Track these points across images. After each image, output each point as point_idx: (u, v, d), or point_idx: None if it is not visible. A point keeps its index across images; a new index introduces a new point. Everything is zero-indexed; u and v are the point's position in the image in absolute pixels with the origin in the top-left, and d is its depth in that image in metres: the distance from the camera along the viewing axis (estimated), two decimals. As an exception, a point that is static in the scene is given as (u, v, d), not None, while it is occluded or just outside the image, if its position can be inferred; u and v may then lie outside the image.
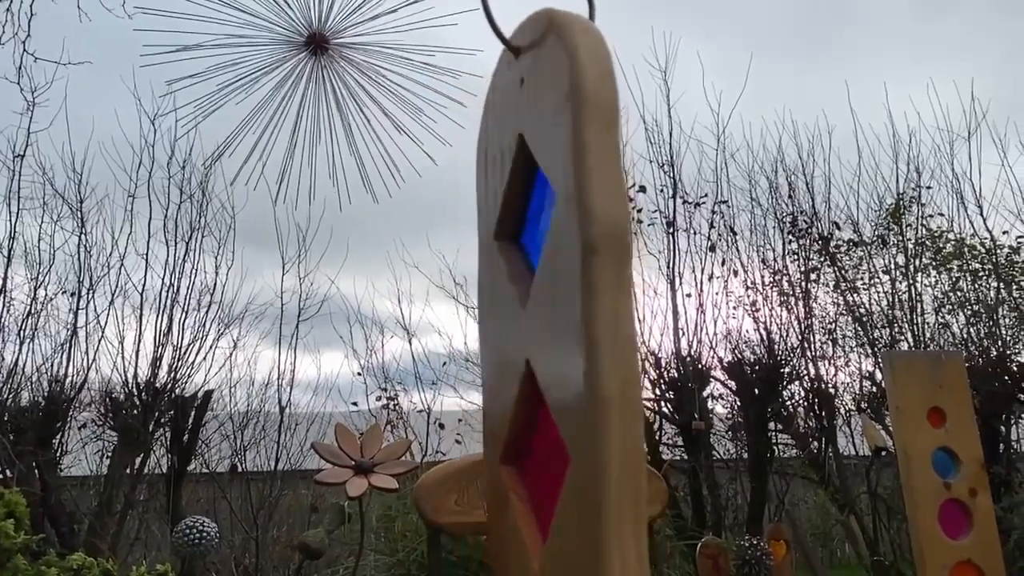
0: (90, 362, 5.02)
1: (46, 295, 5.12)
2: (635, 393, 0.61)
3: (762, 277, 5.79)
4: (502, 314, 0.83)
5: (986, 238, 5.49)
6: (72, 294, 5.12)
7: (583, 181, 0.63)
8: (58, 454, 4.92)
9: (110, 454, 4.99)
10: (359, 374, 6.13)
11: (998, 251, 5.50)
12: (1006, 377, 5.12)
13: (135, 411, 4.92)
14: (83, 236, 5.17)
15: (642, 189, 5.67)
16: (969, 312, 5.48)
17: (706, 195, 5.80)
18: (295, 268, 5.86)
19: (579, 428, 0.64)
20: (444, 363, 6.10)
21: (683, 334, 5.46)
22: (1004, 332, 5.35)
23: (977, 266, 5.55)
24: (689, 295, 5.58)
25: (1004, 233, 5.53)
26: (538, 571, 0.73)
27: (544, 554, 0.72)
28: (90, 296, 5.14)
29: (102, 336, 5.10)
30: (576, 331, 0.62)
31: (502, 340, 0.83)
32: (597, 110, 0.64)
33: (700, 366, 5.43)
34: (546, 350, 0.71)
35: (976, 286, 5.53)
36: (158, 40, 1.87)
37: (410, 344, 6.20)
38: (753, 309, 5.67)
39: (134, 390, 4.98)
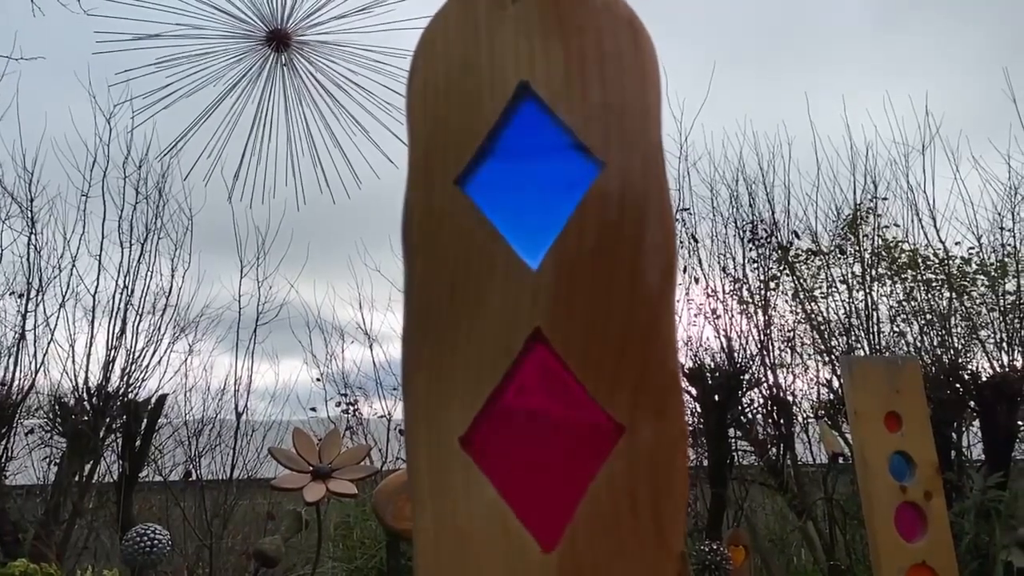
0: (38, 366, 4.88)
1: (-8, 296, 4.97)
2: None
3: (722, 285, 5.84)
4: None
5: (939, 249, 5.61)
6: (20, 296, 4.98)
7: None
8: (3, 461, 4.76)
9: (58, 461, 4.84)
10: (318, 380, 6.05)
11: (950, 262, 5.63)
12: (958, 385, 5.22)
13: (85, 416, 4.78)
14: (33, 236, 5.04)
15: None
16: (923, 321, 5.59)
17: (668, 203, 5.83)
18: (253, 272, 5.77)
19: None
20: (405, 369, 6.04)
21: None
22: (956, 341, 5.47)
23: (931, 276, 5.67)
24: (651, 302, 5.60)
25: (956, 244, 5.67)
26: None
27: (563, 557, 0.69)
28: (40, 298, 5.00)
29: (51, 339, 4.97)
30: None
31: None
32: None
33: (661, 373, 5.45)
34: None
35: (929, 296, 5.64)
36: (115, 28, 1.82)
37: (371, 350, 6.15)
38: (713, 317, 5.72)
39: (84, 395, 4.84)
